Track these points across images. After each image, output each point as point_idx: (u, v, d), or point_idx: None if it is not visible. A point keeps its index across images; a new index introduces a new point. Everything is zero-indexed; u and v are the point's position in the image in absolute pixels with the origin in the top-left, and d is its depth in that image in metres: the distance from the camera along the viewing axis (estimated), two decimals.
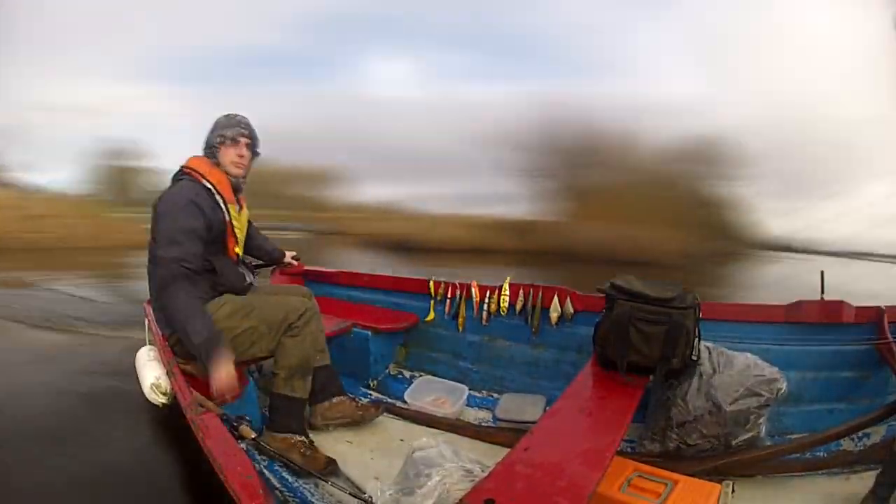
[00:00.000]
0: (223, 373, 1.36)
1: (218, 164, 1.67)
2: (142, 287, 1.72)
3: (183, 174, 1.64)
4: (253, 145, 1.73)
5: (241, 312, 1.59)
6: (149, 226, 1.58)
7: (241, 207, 1.79)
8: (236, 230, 1.69)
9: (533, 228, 12.38)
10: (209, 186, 1.61)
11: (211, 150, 1.68)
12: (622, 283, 1.51)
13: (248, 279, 1.74)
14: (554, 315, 1.98)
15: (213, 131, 1.68)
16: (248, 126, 1.70)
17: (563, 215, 12.63)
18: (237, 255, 1.73)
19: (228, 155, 1.67)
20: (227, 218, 1.65)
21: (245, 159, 1.70)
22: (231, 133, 1.67)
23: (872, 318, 1.62)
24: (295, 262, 2.16)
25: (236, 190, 1.74)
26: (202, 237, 1.54)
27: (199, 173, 1.63)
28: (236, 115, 1.72)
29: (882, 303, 1.64)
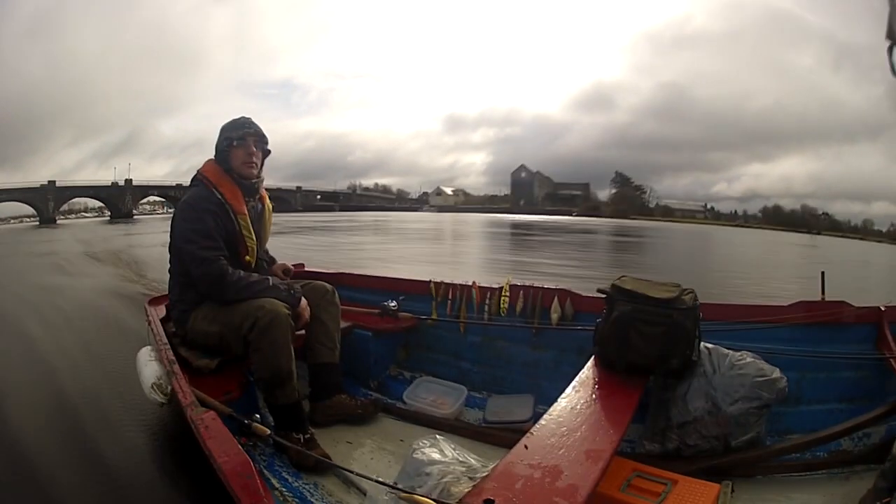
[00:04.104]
0: (303, 303, 1.69)
1: (229, 170, 1.71)
2: None
3: (197, 179, 1.71)
4: (261, 143, 1.75)
5: (210, 317, 1.64)
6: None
7: (262, 206, 1.83)
8: (248, 240, 1.72)
9: None
10: (220, 198, 1.66)
11: (221, 154, 1.72)
12: (623, 284, 1.51)
13: None
14: (554, 316, 1.98)
15: (220, 137, 1.72)
16: (252, 125, 1.73)
17: None
18: (248, 262, 1.75)
19: (238, 156, 1.70)
20: (238, 229, 1.69)
21: (255, 157, 1.73)
22: (237, 134, 1.70)
23: (872, 319, 1.62)
24: (291, 269, 2.10)
25: (253, 191, 1.77)
26: (222, 237, 1.65)
27: (212, 182, 1.68)
28: (240, 118, 1.75)
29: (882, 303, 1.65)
